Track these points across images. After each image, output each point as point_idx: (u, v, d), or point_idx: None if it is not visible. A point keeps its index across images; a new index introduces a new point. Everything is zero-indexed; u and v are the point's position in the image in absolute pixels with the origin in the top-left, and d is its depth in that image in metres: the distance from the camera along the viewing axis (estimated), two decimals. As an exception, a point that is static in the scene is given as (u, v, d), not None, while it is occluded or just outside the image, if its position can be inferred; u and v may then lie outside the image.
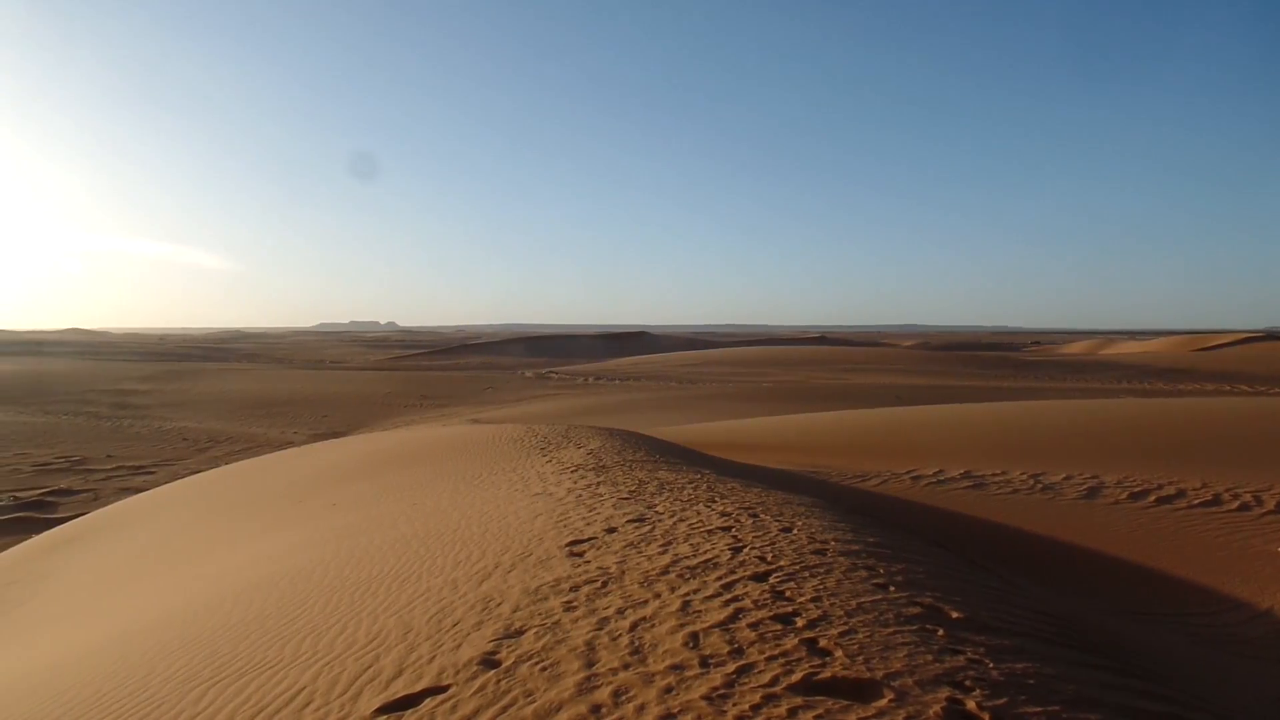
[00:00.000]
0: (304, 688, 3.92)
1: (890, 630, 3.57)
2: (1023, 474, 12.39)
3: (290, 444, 31.16)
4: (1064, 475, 12.08)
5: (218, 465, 24.75)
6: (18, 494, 23.73)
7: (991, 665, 3.22)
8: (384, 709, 3.40)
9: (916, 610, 3.91)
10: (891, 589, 4.27)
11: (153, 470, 28.08)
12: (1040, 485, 11.69)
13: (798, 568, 4.64)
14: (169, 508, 15.16)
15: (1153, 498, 10.60)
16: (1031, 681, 3.10)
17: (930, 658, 3.24)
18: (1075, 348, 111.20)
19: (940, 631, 3.60)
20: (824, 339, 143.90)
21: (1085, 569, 8.57)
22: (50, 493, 24.27)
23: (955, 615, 3.91)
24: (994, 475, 12.46)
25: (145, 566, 10.89)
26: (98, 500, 22.81)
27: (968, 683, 3.01)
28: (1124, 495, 10.82)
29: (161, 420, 40.82)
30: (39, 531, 17.49)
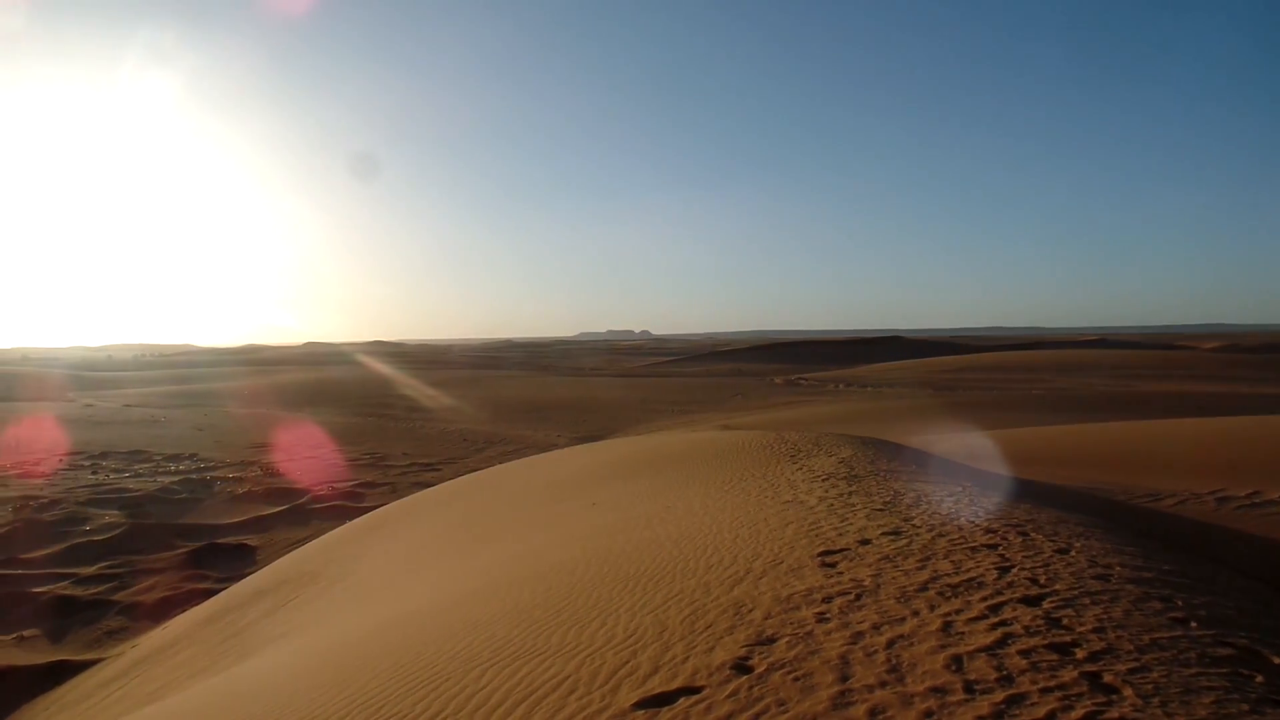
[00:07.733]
0: (568, 676, 4.19)
1: (1192, 671, 3.15)
2: (1369, 499, 10.41)
3: (554, 446, 33.45)
4: None
5: (493, 464, 27.13)
6: (335, 484, 27.54)
7: (1328, 724, 2.74)
8: (641, 704, 3.54)
9: (1226, 651, 3.42)
10: (1193, 624, 3.77)
11: (439, 467, 31.39)
12: (1394, 513, 9.76)
13: (1076, 593, 4.23)
14: (452, 502, 16.85)
15: None
16: (1384, 748, 2.61)
17: (1246, 707, 2.82)
18: None
19: (1258, 678, 3.12)
20: (1104, 341, 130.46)
21: None
22: (359, 485, 27.94)
23: (1277, 660, 3.38)
24: (1329, 499, 10.58)
25: (433, 553, 12.17)
26: (395, 492, 25.87)
27: (1295, 741, 2.58)
28: None
29: (446, 422, 45.55)
30: (350, 518, 20.16)
